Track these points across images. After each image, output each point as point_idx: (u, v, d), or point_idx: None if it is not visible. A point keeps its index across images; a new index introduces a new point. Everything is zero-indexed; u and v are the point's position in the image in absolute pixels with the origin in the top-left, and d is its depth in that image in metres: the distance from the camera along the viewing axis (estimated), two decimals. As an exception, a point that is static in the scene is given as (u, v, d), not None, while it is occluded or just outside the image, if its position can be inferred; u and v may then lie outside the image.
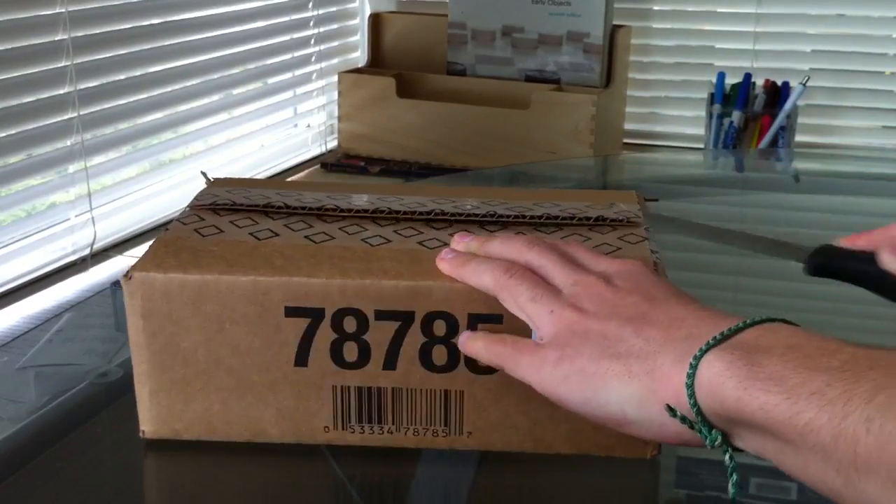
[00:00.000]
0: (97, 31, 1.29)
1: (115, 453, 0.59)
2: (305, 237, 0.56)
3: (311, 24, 1.80)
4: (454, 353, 0.51)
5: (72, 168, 1.26)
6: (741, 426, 0.38)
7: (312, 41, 1.81)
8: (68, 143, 1.25)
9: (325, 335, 0.51)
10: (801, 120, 1.70)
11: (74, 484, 0.55)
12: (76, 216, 1.27)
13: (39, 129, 1.20)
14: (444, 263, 0.51)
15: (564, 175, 1.30)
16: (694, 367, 0.39)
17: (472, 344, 0.49)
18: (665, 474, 0.54)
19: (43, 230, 1.23)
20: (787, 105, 1.63)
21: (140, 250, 1.33)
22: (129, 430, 0.56)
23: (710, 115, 1.68)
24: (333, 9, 1.88)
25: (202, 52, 1.51)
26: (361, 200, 0.61)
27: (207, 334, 0.52)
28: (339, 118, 1.79)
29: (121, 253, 1.31)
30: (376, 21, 1.88)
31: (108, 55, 1.31)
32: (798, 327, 0.40)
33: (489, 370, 0.51)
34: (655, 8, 1.84)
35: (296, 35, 1.76)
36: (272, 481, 0.54)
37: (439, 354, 0.51)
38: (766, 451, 0.38)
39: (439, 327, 0.50)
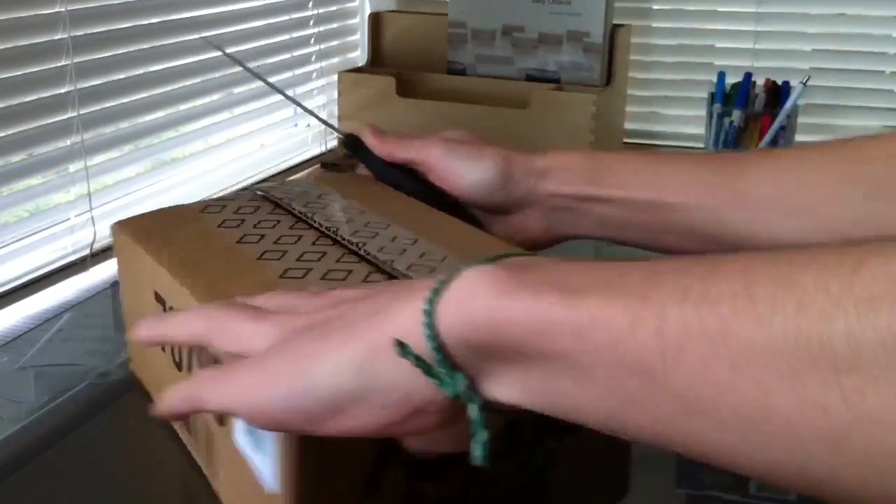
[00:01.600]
0: (97, 31, 1.29)
1: (115, 453, 0.59)
2: (261, 250, 0.58)
3: (311, 23, 1.80)
4: None
5: (72, 168, 1.26)
6: (494, 358, 0.30)
7: (312, 40, 1.81)
8: (68, 142, 1.25)
9: None
10: (801, 119, 1.70)
11: (74, 484, 0.55)
12: (76, 216, 1.27)
13: (39, 128, 1.20)
14: (141, 330, 0.45)
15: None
16: (437, 291, 0.32)
17: (162, 404, 0.42)
18: (665, 474, 0.54)
19: (43, 230, 1.23)
20: (788, 104, 1.63)
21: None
22: (129, 430, 0.56)
23: (710, 115, 1.68)
24: (333, 8, 1.88)
25: (202, 51, 1.50)
26: (345, 227, 0.61)
27: (144, 297, 0.60)
28: (339, 117, 1.78)
29: (121, 252, 1.31)
30: (376, 20, 1.88)
31: (108, 54, 1.31)
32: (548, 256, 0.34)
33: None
34: (656, 7, 1.84)
35: (295, 34, 1.76)
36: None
37: None
38: (528, 388, 0.30)
39: None
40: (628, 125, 1.86)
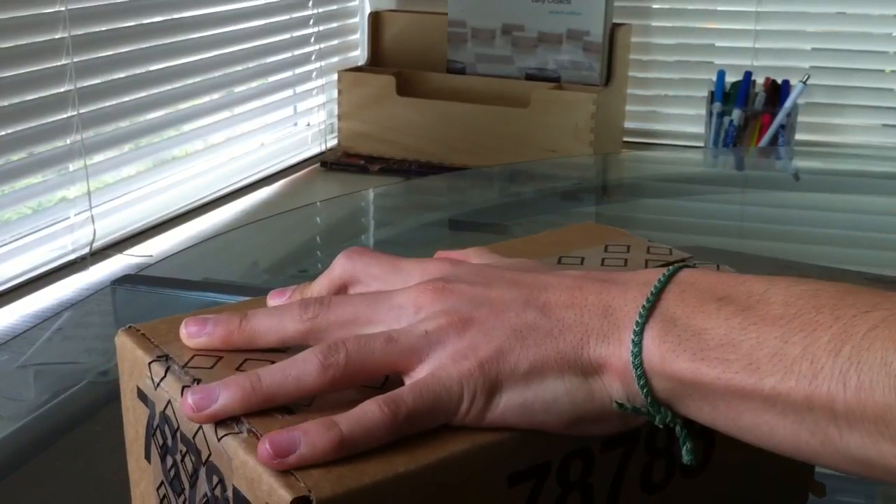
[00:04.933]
0: (97, 30, 1.29)
1: (115, 452, 0.58)
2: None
3: (311, 22, 1.80)
4: None
5: (72, 167, 1.26)
6: (688, 396, 0.35)
7: (312, 39, 1.81)
8: (68, 141, 1.25)
9: None
10: (801, 118, 1.70)
11: (74, 484, 0.55)
12: (76, 214, 1.27)
13: (39, 127, 1.20)
14: (203, 338, 0.39)
15: (564, 174, 1.30)
16: (638, 344, 0.35)
17: (308, 445, 0.31)
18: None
19: (43, 228, 1.23)
20: (788, 103, 1.63)
21: (140, 249, 1.33)
22: (128, 429, 0.56)
23: (710, 114, 1.68)
24: (333, 7, 1.88)
25: (202, 50, 1.50)
26: None
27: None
28: (339, 117, 1.78)
29: (120, 251, 1.31)
30: (376, 19, 1.88)
31: (107, 53, 1.31)
32: (700, 270, 0.37)
33: None
34: (655, 6, 1.84)
35: (296, 33, 1.76)
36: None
37: None
38: (717, 416, 0.35)
39: None
40: (628, 124, 1.86)
